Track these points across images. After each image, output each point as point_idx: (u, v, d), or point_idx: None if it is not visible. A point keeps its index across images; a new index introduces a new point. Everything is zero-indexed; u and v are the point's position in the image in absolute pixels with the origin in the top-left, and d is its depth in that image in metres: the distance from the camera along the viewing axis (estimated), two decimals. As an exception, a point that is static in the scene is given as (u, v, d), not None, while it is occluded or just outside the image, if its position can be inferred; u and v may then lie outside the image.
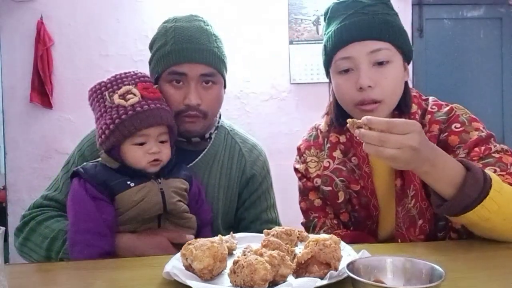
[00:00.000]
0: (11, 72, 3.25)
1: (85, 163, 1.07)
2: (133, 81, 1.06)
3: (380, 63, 1.02)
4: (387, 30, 1.03)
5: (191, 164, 1.21)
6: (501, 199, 0.84)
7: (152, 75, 1.18)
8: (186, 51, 1.11)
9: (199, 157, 1.23)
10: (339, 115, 1.13)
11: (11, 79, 3.25)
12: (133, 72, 1.10)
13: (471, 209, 0.84)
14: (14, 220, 3.18)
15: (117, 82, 1.06)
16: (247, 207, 1.26)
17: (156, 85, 1.13)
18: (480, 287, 0.72)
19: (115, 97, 1.03)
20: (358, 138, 0.84)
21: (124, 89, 1.04)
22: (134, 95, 1.03)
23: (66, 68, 3.23)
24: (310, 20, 3.27)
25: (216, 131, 1.27)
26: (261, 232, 1.20)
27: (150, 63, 1.21)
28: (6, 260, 0.98)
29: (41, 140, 3.23)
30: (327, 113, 1.21)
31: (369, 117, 0.82)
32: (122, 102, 1.02)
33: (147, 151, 1.03)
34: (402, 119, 0.83)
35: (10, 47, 3.25)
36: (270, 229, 1.21)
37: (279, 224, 1.28)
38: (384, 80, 1.02)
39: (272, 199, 1.31)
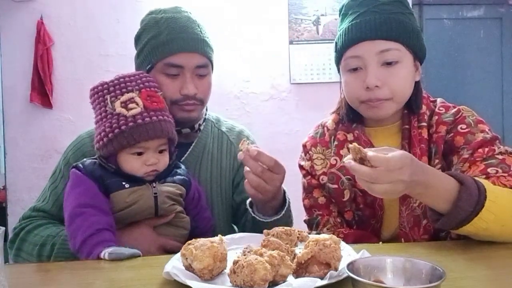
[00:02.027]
0: (11, 72, 3.25)
1: (84, 159, 1.06)
2: (137, 87, 1.03)
3: (389, 63, 1.03)
4: (397, 30, 1.02)
5: (181, 160, 1.21)
6: (497, 208, 0.85)
7: (142, 66, 1.18)
8: (182, 41, 1.13)
9: (188, 151, 1.23)
10: (349, 111, 1.14)
11: (11, 79, 3.25)
12: (138, 75, 1.07)
13: (467, 222, 0.84)
14: (14, 220, 3.18)
15: (120, 86, 1.03)
16: (242, 189, 1.22)
17: (160, 95, 1.08)
18: (480, 287, 0.72)
19: (117, 104, 1.01)
20: (348, 167, 0.83)
21: (126, 96, 1.01)
22: (137, 104, 1.01)
23: (66, 68, 3.23)
24: (310, 20, 3.26)
25: (204, 123, 1.28)
26: None
27: (138, 55, 1.20)
28: (6, 260, 0.98)
29: (41, 140, 3.23)
30: (336, 111, 1.21)
31: (371, 154, 0.80)
32: (124, 111, 1.00)
33: (145, 162, 1.01)
34: (399, 154, 0.80)
35: (10, 47, 3.25)
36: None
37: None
38: (391, 80, 1.03)
39: None
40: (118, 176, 1.01)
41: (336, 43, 1.11)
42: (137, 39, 1.21)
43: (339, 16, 1.13)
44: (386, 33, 1.02)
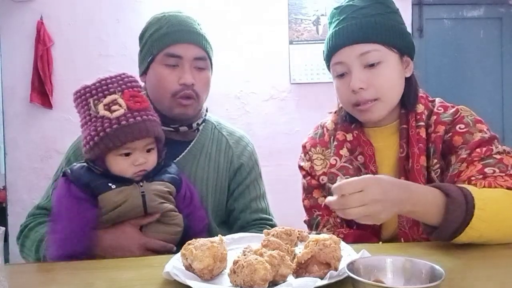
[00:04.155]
0: (11, 72, 3.25)
1: (74, 164, 1.07)
2: (119, 88, 1.03)
3: (371, 65, 1.05)
4: (374, 31, 1.04)
5: (178, 158, 1.22)
6: (487, 215, 0.85)
7: (144, 60, 1.22)
8: (181, 33, 1.18)
9: (186, 150, 1.25)
10: (347, 113, 1.16)
11: (11, 79, 3.25)
12: (120, 76, 1.06)
13: (459, 233, 0.85)
14: (14, 220, 3.18)
15: (102, 88, 1.02)
16: (236, 197, 1.27)
17: (143, 94, 1.08)
18: (480, 287, 0.72)
19: (100, 106, 1.00)
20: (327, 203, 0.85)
21: (109, 98, 1.01)
22: (120, 106, 1.00)
23: (66, 68, 3.23)
24: (310, 20, 3.27)
25: (203, 124, 1.29)
26: (251, 222, 1.24)
27: (141, 50, 1.24)
28: (6, 260, 0.98)
29: (41, 140, 3.23)
30: (336, 111, 1.22)
31: (335, 185, 0.82)
32: (107, 113, 1.00)
33: (133, 162, 1.02)
34: (355, 179, 0.82)
35: (10, 47, 3.25)
36: (261, 218, 1.26)
37: (270, 214, 1.30)
38: (376, 81, 1.05)
39: (261, 189, 1.32)
40: (105, 178, 1.01)
41: (323, 51, 1.15)
42: (141, 37, 1.26)
43: (328, 25, 1.16)
44: (363, 36, 1.04)
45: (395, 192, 0.83)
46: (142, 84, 1.14)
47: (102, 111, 1.00)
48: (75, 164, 1.07)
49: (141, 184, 1.02)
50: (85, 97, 1.03)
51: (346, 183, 0.81)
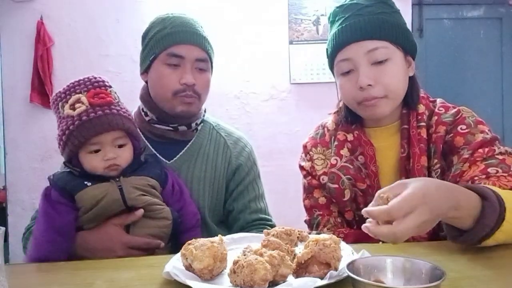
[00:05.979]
0: (11, 72, 3.25)
1: (58, 171, 1.10)
2: (85, 88, 1.05)
3: (379, 62, 1.05)
4: (382, 28, 1.05)
5: (175, 158, 1.23)
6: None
7: (146, 59, 1.24)
8: (185, 34, 1.20)
9: (184, 149, 1.26)
10: (348, 114, 1.15)
11: (11, 79, 3.25)
12: (88, 77, 1.08)
13: (489, 237, 0.81)
14: (14, 220, 3.18)
15: (70, 91, 1.05)
16: (235, 197, 1.28)
17: (110, 91, 1.08)
18: (480, 287, 0.72)
19: (66, 107, 1.03)
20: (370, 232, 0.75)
21: (73, 98, 1.03)
22: (82, 103, 1.02)
23: (66, 68, 3.23)
24: (310, 20, 3.27)
25: (201, 124, 1.31)
26: (251, 222, 1.25)
27: (144, 49, 1.26)
28: (6, 260, 0.98)
29: (41, 140, 3.23)
30: (336, 111, 1.22)
31: (369, 208, 0.74)
32: (71, 112, 1.02)
33: (103, 157, 1.02)
34: (402, 200, 0.72)
35: (10, 47, 3.25)
36: (261, 218, 1.27)
37: (268, 214, 1.31)
38: (384, 78, 1.04)
39: (260, 189, 1.33)
40: (82, 178, 1.03)
41: (327, 49, 1.14)
42: (144, 36, 1.27)
43: (328, 24, 1.16)
44: (371, 33, 1.04)
45: (442, 205, 0.76)
46: (109, 83, 1.11)
47: (67, 111, 1.03)
48: (59, 170, 1.09)
49: (117, 179, 1.03)
50: (57, 102, 1.06)
51: (397, 208, 0.71)
